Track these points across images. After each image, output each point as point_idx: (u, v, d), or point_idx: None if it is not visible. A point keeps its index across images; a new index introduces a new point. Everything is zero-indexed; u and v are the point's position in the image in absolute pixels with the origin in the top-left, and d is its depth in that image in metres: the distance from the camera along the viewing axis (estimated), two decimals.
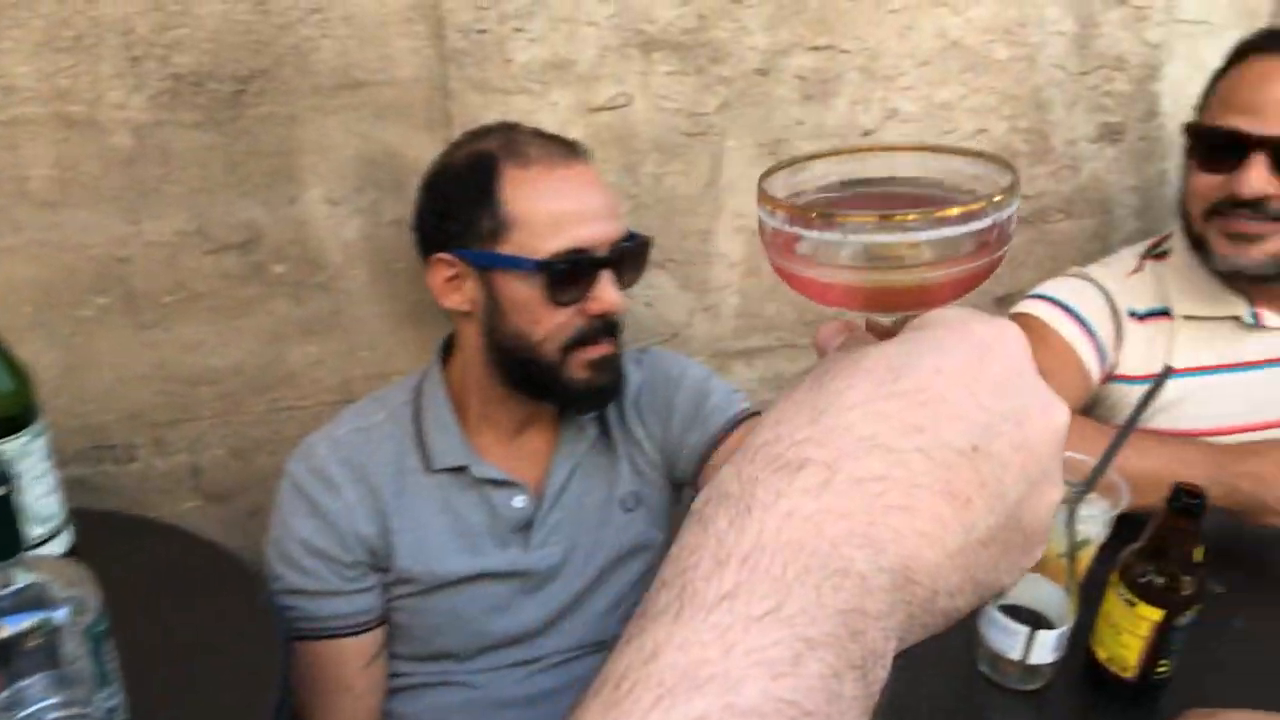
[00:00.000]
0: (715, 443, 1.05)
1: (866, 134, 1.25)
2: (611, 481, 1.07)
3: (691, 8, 1.14)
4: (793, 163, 0.39)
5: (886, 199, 0.40)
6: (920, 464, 0.31)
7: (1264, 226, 1.11)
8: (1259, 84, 1.10)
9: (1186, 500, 0.82)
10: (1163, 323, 1.22)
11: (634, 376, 1.09)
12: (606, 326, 0.97)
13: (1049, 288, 1.25)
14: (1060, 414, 0.34)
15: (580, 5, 1.12)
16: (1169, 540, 0.85)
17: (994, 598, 0.34)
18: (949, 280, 0.35)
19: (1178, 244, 1.24)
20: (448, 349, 1.06)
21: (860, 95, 1.23)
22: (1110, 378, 1.23)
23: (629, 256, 0.98)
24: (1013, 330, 0.34)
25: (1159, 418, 1.21)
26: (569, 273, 0.94)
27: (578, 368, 0.97)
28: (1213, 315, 1.21)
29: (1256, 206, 1.10)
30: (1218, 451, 1.06)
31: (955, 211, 0.34)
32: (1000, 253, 0.36)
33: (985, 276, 0.36)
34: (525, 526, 1.03)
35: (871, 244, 0.34)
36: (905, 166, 0.41)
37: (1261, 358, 1.19)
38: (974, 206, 0.34)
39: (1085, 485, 0.95)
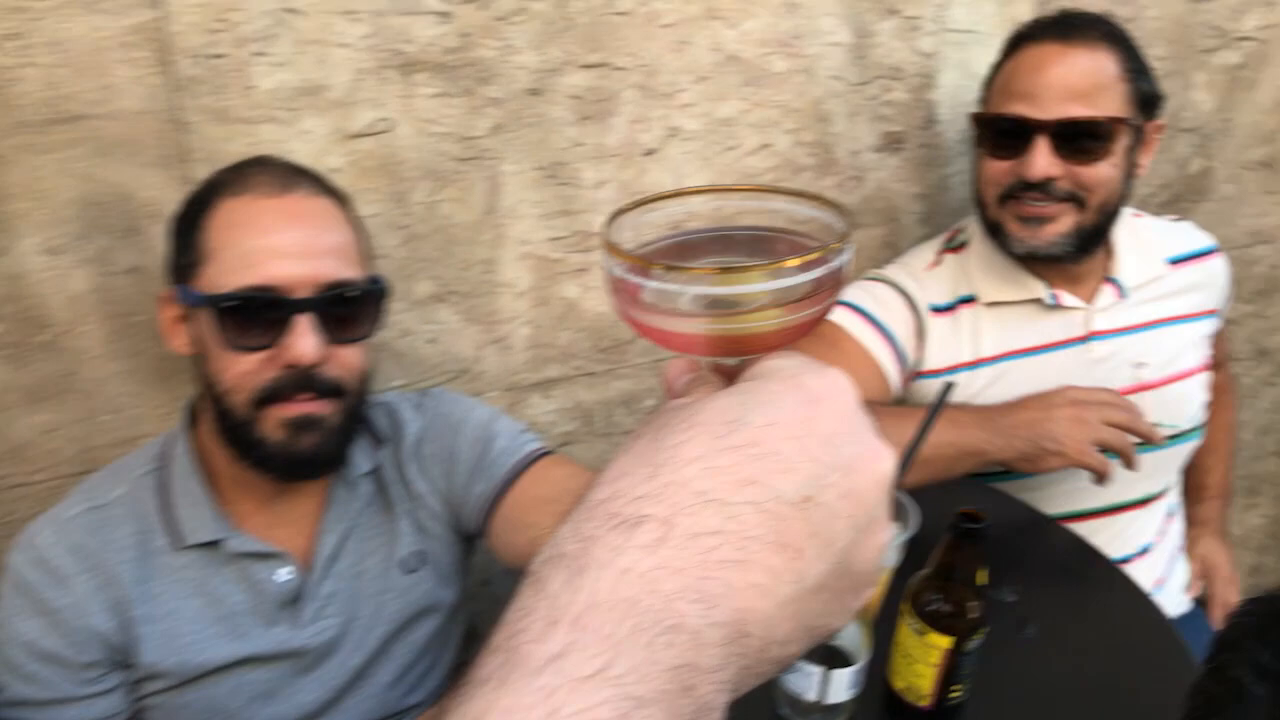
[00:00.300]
0: (503, 490, 0.98)
1: (649, 153, 1.21)
2: (391, 542, 0.98)
3: (453, 26, 1.06)
4: (636, 205, 0.40)
5: (727, 243, 0.41)
6: (753, 517, 0.31)
7: (1053, 207, 1.16)
8: (1034, 71, 1.14)
9: (968, 525, 0.81)
10: (967, 310, 1.24)
11: (412, 423, 1.01)
12: (306, 380, 0.85)
13: (846, 293, 1.25)
14: (885, 461, 0.35)
15: (330, 26, 1.03)
16: (954, 565, 0.84)
17: (824, 639, 0.35)
18: (789, 326, 0.37)
19: (975, 233, 1.26)
20: (194, 407, 0.95)
21: (639, 114, 1.18)
22: (916, 375, 1.24)
23: (344, 304, 0.86)
24: (843, 381, 0.36)
25: (973, 403, 1.22)
26: (247, 313, 0.82)
27: (272, 426, 0.85)
28: (1015, 299, 1.25)
29: (1044, 188, 1.14)
30: (988, 411, 1.10)
31: (795, 262, 0.35)
32: (837, 296, 0.38)
33: (823, 317, 0.38)
34: (294, 601, 0.93)
35: (712, 295, 0.35)
36: (744, 206, 0.42)
37: (1064, 337, 1.24)
38: (812, 256, 0.35)
39: None
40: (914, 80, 1.33)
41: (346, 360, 0.88)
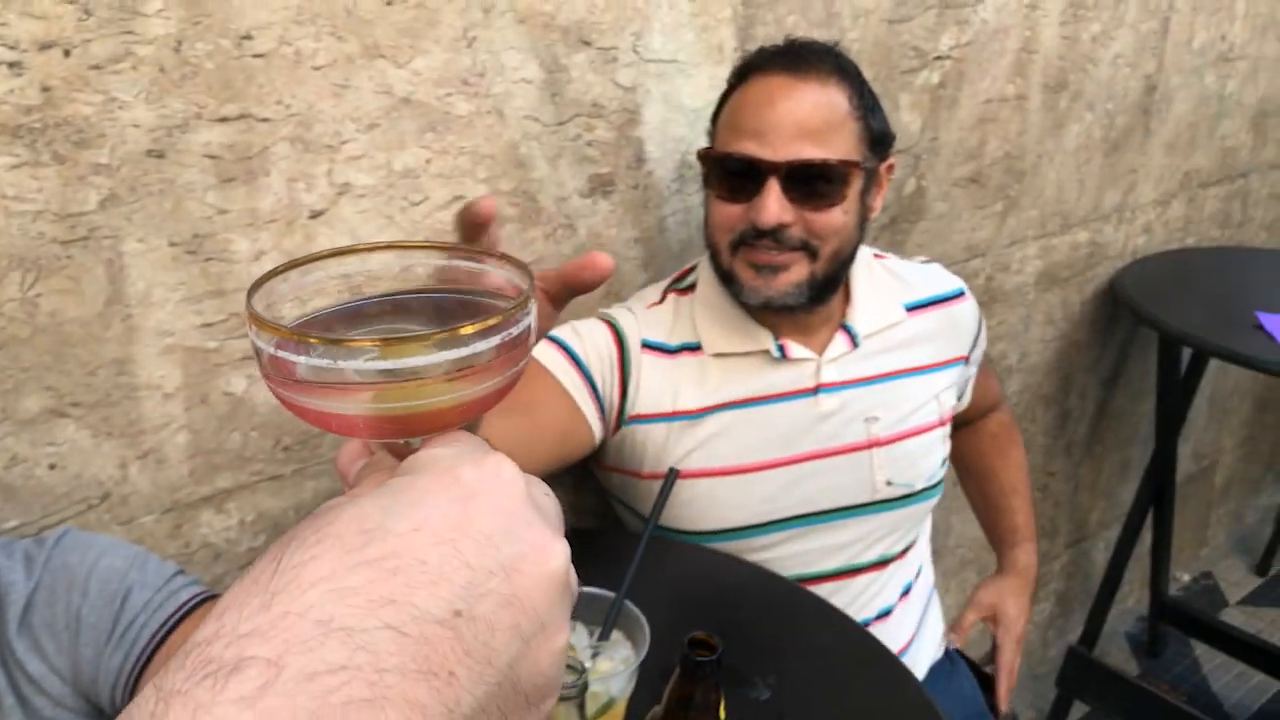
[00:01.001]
0: (146, 661, 0.77)
1: (316, 215, 1.03)
2: None
3: (27, 79, 0.84)
4: (287, 268, 0.36)
5: (398, 308, 0.38)
6: (390, 644, 0.27)
7: (786, 256, 1.06)
8: (763, 106, 1.04)
9: (699, 656, 0.69)
10: (691, 358, 1.14)
11: (19, 584, 0.78)
12: None
13: (557, 329, 1.15)
14: (557, 555, 0.32)
15: None
16: (690, 696, 0.71)
17: None
18: (469, 400, 0.34)
19: (704, 277, 1.17)
20: None
21: (298, 170, 1.00)
22: (629, 418, 1.12)
23: None
24: (507, 470, 0.33)
25: (695, 455, 1.12)
26: None
27: None
28: (741, 351, 1.15)
29: (776, 235, 1.05)
30: None
31: (470, 329, 0.33)
32: (524, 362, 0.35)
33: (509, 389, 0.36)
34: None
35: (379, 369, 0.32)
36: (412, 265, 0.39)
37: (792, 388, 1.15)
38: (490, 322, 0.33)
39: (603, 629, 0.81)
40: (617, 116, 1.22)
41: None
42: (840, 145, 1.04)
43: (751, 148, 1.04)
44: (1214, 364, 2.27)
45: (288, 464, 1.09)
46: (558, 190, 1.20)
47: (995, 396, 1.48)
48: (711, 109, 1.30)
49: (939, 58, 1.58)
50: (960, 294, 1.27)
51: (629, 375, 1.14)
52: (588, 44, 1.17)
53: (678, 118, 1.28)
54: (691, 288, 1.20)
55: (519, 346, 0.35)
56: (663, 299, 1.20)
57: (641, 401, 1.13)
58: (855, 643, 1.00)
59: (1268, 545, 2.98)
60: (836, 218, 1.06)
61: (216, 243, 0.98)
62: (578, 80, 1.17)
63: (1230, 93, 2.24)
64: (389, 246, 0.38)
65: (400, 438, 0.35)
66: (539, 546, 0.32)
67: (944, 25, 1.56)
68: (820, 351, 1.16)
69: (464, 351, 0.33)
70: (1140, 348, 2.35)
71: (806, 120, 1.03)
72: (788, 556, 1.15)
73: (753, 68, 1.08)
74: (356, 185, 1.05)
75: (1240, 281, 2.10)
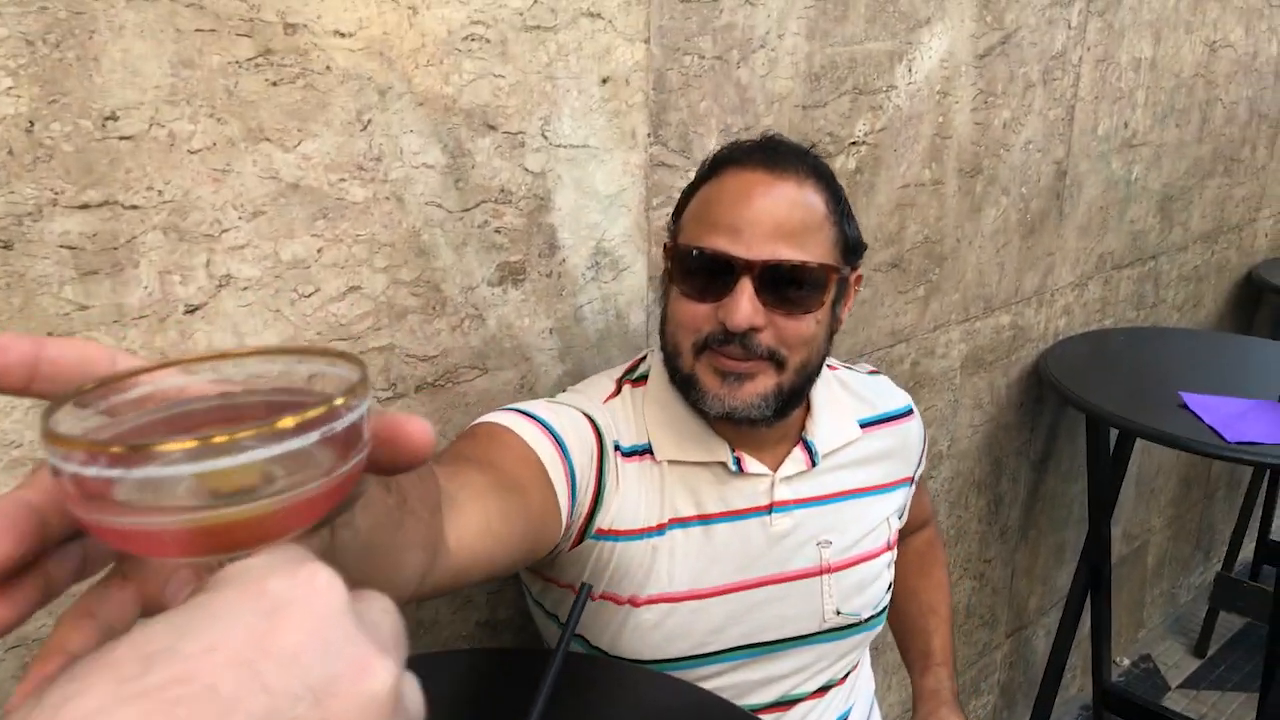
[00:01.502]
0: None
1: (193, 309, 0.94)
2: None
3: None
4: (83, 391, 0.33)
5: (226, 414, 0.35)
6: None
7: (752, 364, 0.97)
8: (739, 202, 0.96)
9: None
10: (646, 463, 1.04)
11: None
12: None
13: (533, 405, 0.99)
14: (382, 676, 0.27)
15: None
16: None
17: None
18: (292, 505, 0.31)
19: (654, 372, 1.08)
20: None
21: (173, 262, 0.92)
22: (601, 532, 1.01)
23: None
24: (323, 578, 0.29)
25: (651, 578, 1.02)
26: None
27: None
28: (697, 460, 1.05)
29: (745, 340, 0.95)
30: None
31: (291, 422, 0.30)
32: (359, 458, 0.33)
33: (349, 486, 0.33)
34: None
35: (203, 474, 0.29)
36: (241, 373, 0.36)
37: (747, 505, 1.06)
38: (313, 414, 0.31)
39: None
40: (526, 203, 1.17)
41: None
42: (817, 249, 0.96)
43: (725, 244, 0.95)
44: (1139, 443, 2.27)
45: None
46: (464, 279, 1.13)
47: (927, 513, 1.42)
48: (625, 194, 1.26)
49: (854, 143, 1.57)
50: (909, 411, 1.21)
51: (605, 481, 1.00)
52: (493, 128, 1.11)
53: (590, 204, 1.23)
54: (644, 379, 1.10)
55: (350, 444, 0.32)
56: (618, 389, 1.09)
57: (615, 515, 1.00)
58: None
59: (1203, 625, 2.97)
60: (809, 326, 0.97)
61: None
62: (483, 165, 1.12)
63: (1136, 178, 2.29)
64: (208, 358, 0.36)
65: (220, 553, 0.31)
66: (358, 665, 0.27)
67: (858, 111, 1.55)
68: (775, 467, 1.07)
69: (294, 445, 0.30)
70: (1067, 429, 2.35)
71: (785, 220, 0.95)
72: (723, 689, 1.05)
73: (727, 161, 1.00)
74: (239, 277, 0.96)
75: (1159, 361, 2.11)
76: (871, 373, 1.24)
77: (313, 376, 0.36)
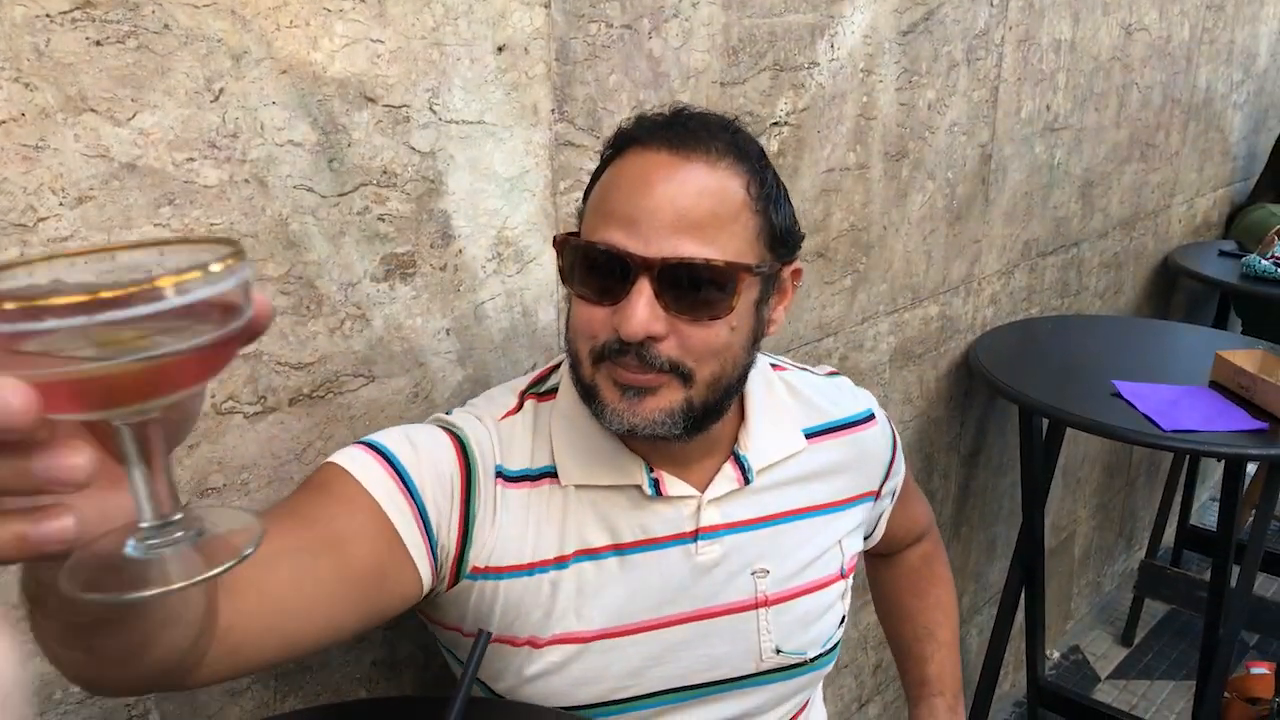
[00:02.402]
0: None
1: None
2: None
3: None
4: None
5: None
6: None
7: (654, 378, 0.83)
8: (638, 189, 0.81)
9: None
10: (544, 488, 0.91)
11: None
12: None
13: (380, 433, 0.89)
14: None
15: None
16: None
17: None
18: (187, 359, 0.37)
19: (565, 384, 0.94)
20: None
21: None
22: (478, 571, 0.88)
23: None
24: None
25: (551, 618, 0.90)
26: None
27: None
28: (606, 484, 0.92)
29: (642, 350, 0.81)
30: None
31: (169, 282, 0.35)
32: (237, 324, 0.38)
33: (229, 351, 0.39)
34: None
35: (93, 327, 0.34)
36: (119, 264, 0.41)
37: (668, 533, 0.93)
38: (189, 276, 0.36)
39: None
40: (414, 186, 1.03)
41: None
42: (730, 243, 0.82)
43: (619, 238, 0.81)
44: (1067, 434, 2.22)
45: None
46: (344, 274, 0.99)
47: (921, 526, 1.29)
48: (528, 176, 1.13)
49: (776, 124, 1.47)
50: (869, 417, 1.07)
51: (473, 513, 0.88)
52: (372, 101, 0.97)
53: (489, 187, 1.10)
54: (553, 392, 0.96)
55: (228, 310, 0.37)
56: (520, 404, 0.96)
57: (491, 550, 0.88)
58: None
59: (1129, 614, 2.96)
60: (718, 334, 0.83)
61: None
62: (361, 143, 0.98)
63: (1059, 163, 2.25)
64: (88, 251, 0.40)
65: (111, 409, 0.37)
66: None
67: (779, 89, 1.45)
68: (703, 487, 0.94)
69: (165, 304, 0.35)
70: (997, 422, 2.29)
71: (689, 210, 0.80)
72: None
73: (630, 139, 0.86)
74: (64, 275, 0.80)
75: (1087, 349, 2.07)
76: (830, 374, 1.10)
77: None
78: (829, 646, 1.01)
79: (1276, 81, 3.46)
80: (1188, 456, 2.94)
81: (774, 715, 1.00)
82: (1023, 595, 2.21)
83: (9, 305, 0.33)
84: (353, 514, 0.81)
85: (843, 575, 1.03)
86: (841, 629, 1.03)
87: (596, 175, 0.89)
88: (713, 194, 0.82)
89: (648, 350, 0.82)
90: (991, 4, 1.85)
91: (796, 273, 0.93)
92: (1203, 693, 2.08)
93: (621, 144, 0.87)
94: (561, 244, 0.87)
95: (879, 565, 1.32)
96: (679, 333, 0.82)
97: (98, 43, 0.79)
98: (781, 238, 0.88)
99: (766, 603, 0.96)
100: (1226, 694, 1.94)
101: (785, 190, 0.89)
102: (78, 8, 0.77)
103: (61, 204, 0.80)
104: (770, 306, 0.91)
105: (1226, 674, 1.93)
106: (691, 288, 0.81)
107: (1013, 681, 2.66)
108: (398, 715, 0.92)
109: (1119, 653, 2.90)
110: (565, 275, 0.87)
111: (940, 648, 1.25)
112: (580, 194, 0.99)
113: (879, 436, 1.08)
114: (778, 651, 0.96)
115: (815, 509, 1.00)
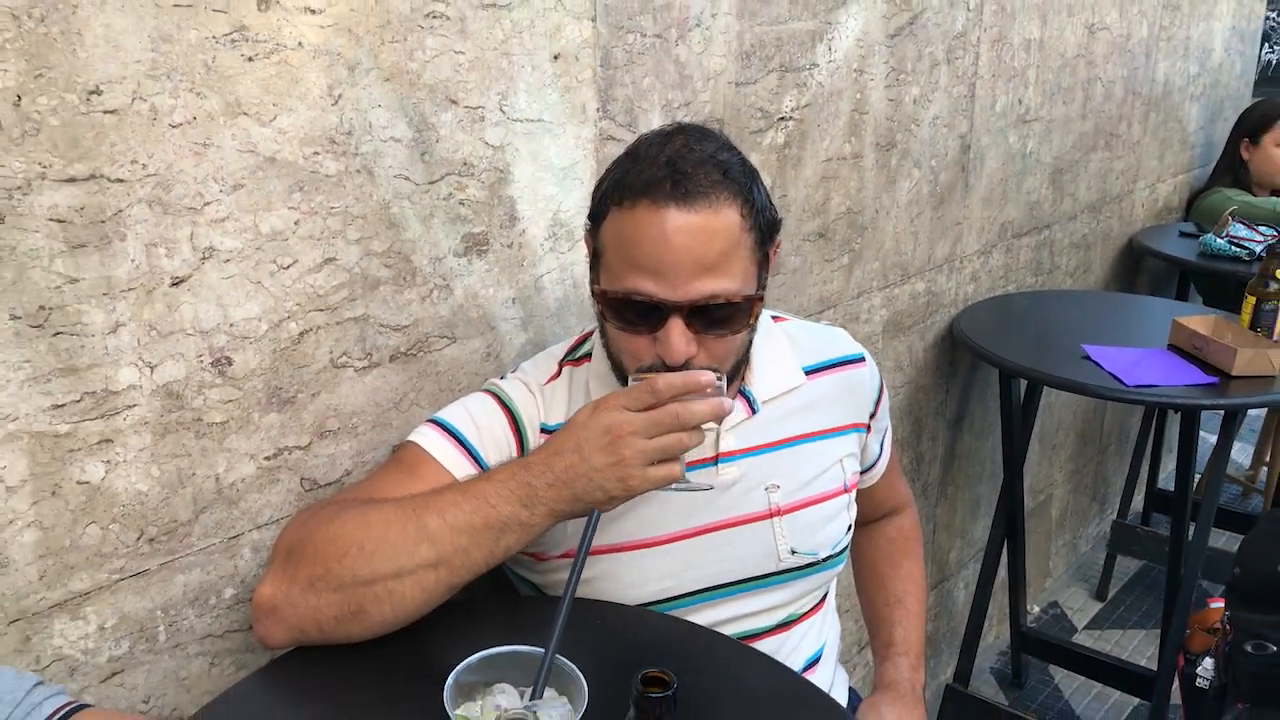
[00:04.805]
0: None
1: (179, 282, 0.95)
2: None
3: None
4: None
5: None
6: None
7: None
8: (659, 244, 0.98)
9: (653, 694, 0.65)
10: None
11: None
12: None
13: (446, 411, 1.11)
14: None
15: None
16: None
17: None
18: None
19: (598, 351, 1.13)
20: None
21: (158, 235, 0.93)
22: None
23: None
24: None
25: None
26: None
27: None
28: None
29: (683, 366, 1.01)
30: (520, 471, 0.97)
31: None
32: None
33: None
34: None
35: None
36: None
37: (689, 459, 1.11)
38: None
39: (535, 688, 0.76)
40: (487, 176, 1.21)
41: None
42: (738, 268, 1.01)
43: (650, 287, 0.99)
44: (1042, 404, 2.43)
45: (153, 557, 0.99)
46: (432, 250, 1.17)
47: (899, 500, 1.48)
48: (577, 166, 1.31)
49: (783, 118, 1.66)
50: (860, 359, 1.26)
51: None
52: (455, 103, 1.15)
53: (547, 176, 1.28)
54: (586, 357, 1.16)
55: None
56: (559, 371, 1.16)
57: None
58: (787, 686, 0.99)
59: (1103, 570, 3.18)
60: (738, 340, 1.05)
61: (66, 315, 0.89)
62: (446, 139, 1.16)
63: (1031, 151, 2.45)
64: None
65: None
66: None
67: (785, 88, 1.64)
68: (719, 420, 1.14)
69: None
70: (979, 389, 2.49)
71: (704, 255, 0.98)
72: None
73: (637, 192, 1.00)
74: (221, 249, 0.98)
75: (1060, 319, 2.27)
76: (828, 325, 1.31)
77: None
78: (838, 549, 1.20)
79: (1230, 74, 3.69)
80: (1154, 424, 3.16)
81: (795, 607, 1.19)
82: (1005, 551, 2.42)
83: None
84: (420, 488, 1.02)
85: (845, 490, 1.22)
86: (849, 535, 1.23)
87: (601, 207, 1.05)
88: (719, 234, 1.00)
89: (686, 366, 1.01)
90: (968, 8, 2.05)
91: (777, 247, 1.11)
92: (1167, 627, 2.29)
93: (625, 194, 1.01)
94: (603, 297, 1.04)
95: (861, 537, 1.48)
96: (707, 347, 1.03)
97: (250, 59, 0.97)
98: (768, 232, 1.07)
99: (779, 512, 1.15)
100: (1189, 629, 2.15)
101: (756, 173, 1.07)
102: (236, 30, 0.95)
103: (221, 191, 0.97)
104: (764, 280, 1.09)
105: (1188, 611, 2.14)
106: (715, 317, 1.02)
107: (997, 634, 2.87)
108: (518, 610, 1.10)
109: (1094, 606, 3.11)
110: (605, 315, 1.05)
111: (908, 614, 1.40)
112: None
113: (868, 377, 1.28)
114: (793, 552, 1.14)
115: (816, 434, 1.20)
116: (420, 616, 0.97)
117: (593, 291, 1.07)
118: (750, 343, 1.11)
